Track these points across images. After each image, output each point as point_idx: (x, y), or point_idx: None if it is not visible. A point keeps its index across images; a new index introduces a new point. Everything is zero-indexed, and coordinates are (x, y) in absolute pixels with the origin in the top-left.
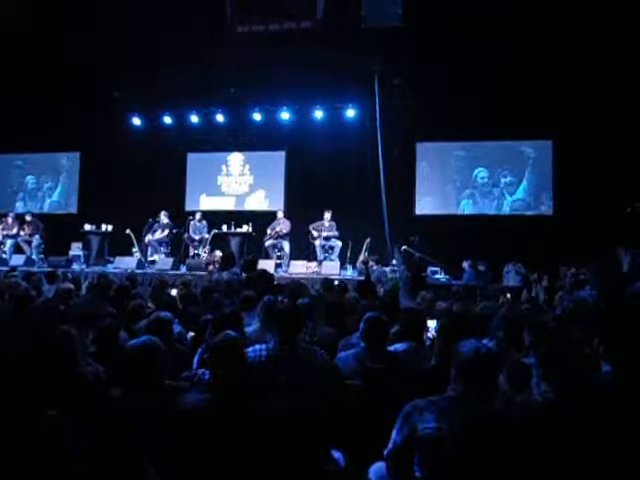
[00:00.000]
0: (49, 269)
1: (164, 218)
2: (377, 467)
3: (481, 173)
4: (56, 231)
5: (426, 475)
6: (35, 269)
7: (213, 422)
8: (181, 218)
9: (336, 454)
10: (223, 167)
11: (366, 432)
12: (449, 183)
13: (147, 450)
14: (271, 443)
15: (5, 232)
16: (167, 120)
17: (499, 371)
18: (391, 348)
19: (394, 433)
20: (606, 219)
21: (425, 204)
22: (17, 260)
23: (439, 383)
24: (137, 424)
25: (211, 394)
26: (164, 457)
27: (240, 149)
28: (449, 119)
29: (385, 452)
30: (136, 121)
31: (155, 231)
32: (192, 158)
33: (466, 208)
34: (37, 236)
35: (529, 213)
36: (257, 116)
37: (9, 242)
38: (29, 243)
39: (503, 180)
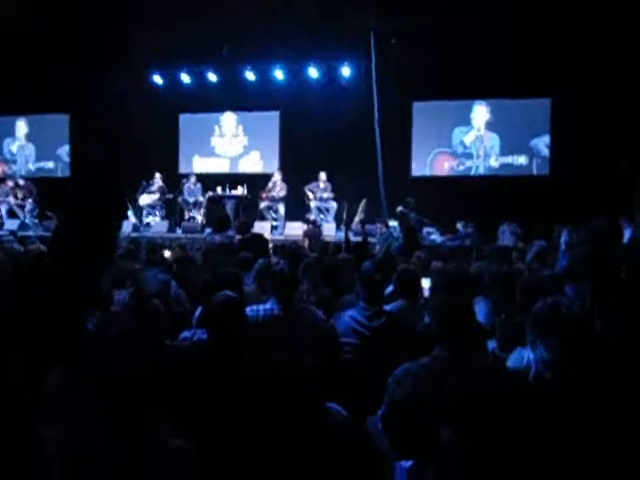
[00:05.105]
0: (45, 233)
1: (158, 181)
2: (375, 419)
3: (478, 132)
4: (48, 195)
5: (423, 435)
6: (30, 233)
7: (212, 381)
8: (175, 180)
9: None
10: (216, 128)
11: (363, 389)
12: (445, 143)
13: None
14: (270, 399)
15: None
16: (157, 80)
17: (476, 323)
18: (387, 307)
19: (387, 398)
20: (603, 178)
21: (421, 165)
22: (11, 225)
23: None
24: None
25: (209, 353)
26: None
27: (233, 109)
28: (446, 77)
29: (379, 414)
30: None
31: (149, 193)
32: (184, 119)
33: (463, 169)
34: (30, 200)
35: (525, 173)
36: (250, 75)
37: (2, 207)
38: (22, 207)
39: (500, 139)
